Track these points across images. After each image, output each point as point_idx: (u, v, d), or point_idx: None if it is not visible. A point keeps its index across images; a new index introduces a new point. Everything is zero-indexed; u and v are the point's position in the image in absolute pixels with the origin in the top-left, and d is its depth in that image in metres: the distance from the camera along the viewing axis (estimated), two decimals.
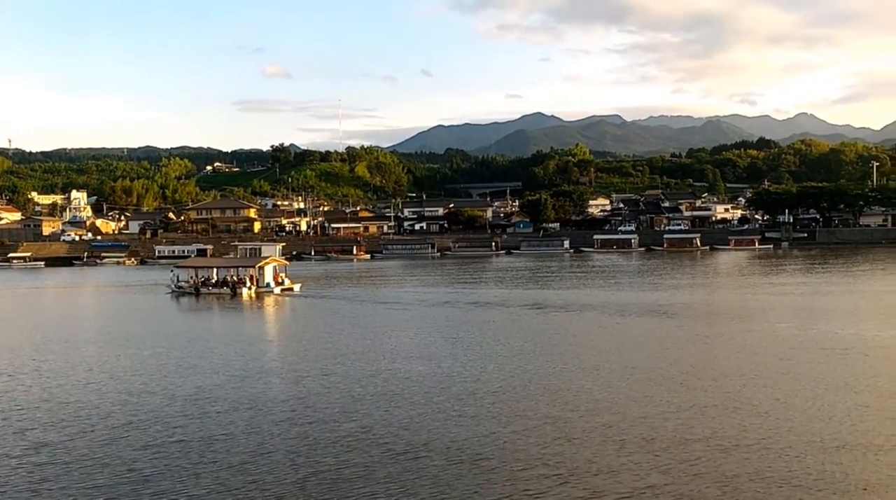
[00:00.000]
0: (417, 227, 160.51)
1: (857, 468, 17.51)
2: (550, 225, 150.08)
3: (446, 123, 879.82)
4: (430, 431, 21.12)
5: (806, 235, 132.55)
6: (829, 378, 26.91)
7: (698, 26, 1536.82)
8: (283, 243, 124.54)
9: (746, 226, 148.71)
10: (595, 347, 34.82)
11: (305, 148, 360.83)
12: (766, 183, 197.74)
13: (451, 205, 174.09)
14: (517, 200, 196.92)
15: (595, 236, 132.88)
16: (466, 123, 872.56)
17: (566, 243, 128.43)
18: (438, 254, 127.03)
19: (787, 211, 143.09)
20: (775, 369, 28.54)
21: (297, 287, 65.41)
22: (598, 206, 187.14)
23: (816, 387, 25.54)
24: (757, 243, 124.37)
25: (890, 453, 18.56)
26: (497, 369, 29.74)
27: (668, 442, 19.62)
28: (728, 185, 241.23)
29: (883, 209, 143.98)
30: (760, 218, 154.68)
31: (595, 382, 26.94)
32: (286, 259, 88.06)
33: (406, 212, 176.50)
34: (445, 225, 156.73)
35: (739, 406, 23.14)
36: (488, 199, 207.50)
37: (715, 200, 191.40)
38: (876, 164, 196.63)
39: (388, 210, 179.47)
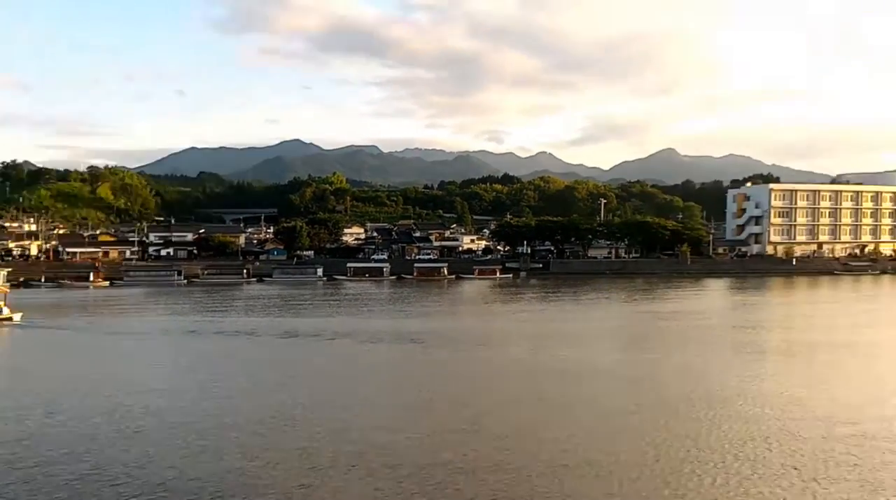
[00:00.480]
0: (164, 253, 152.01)
1: (582, 487, 19.23)
2: (305, 253, 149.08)
3: (200, 146, 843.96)
4: (170, 469, 20.17)
5: (542, 265, 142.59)
6: (557, 401, 29.33)
7: (452, 65, 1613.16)
8: (9, 269, 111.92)
9: (490, 256, 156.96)
10: (344, 375, 35.15)
11: (42, 166, 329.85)
12: (508, 216, 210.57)
13: (202, 230, 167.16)
14: (272, 227, 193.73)
15: (348, 264, 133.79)
16: (222, 147, 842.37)
17: (319, 271, 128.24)
18: (185, 281, 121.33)
19: (525, 243, 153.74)
20: (511, 393, 30.56)
21: (17, 316, 59.50)
22: (352, 234, 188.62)
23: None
24: (498, 273, 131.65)
25: (608, 471, 20.56)
26: (244, 401, 29.05)
27: (411, 468, 20.33)
28: (475, 217, 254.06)
29: (608, 243, 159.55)
30: (502, 249, 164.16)
31: (345, 410, 27.20)
32: (10, 286, 79.76)
33: (152, 237, 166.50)
34: (195, 251, 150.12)
35: (478, 430, 24.52)
36: (242, 225, 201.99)
37: (462, 231, 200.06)
38: (604, 201, 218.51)
39: (132, 235, 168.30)
